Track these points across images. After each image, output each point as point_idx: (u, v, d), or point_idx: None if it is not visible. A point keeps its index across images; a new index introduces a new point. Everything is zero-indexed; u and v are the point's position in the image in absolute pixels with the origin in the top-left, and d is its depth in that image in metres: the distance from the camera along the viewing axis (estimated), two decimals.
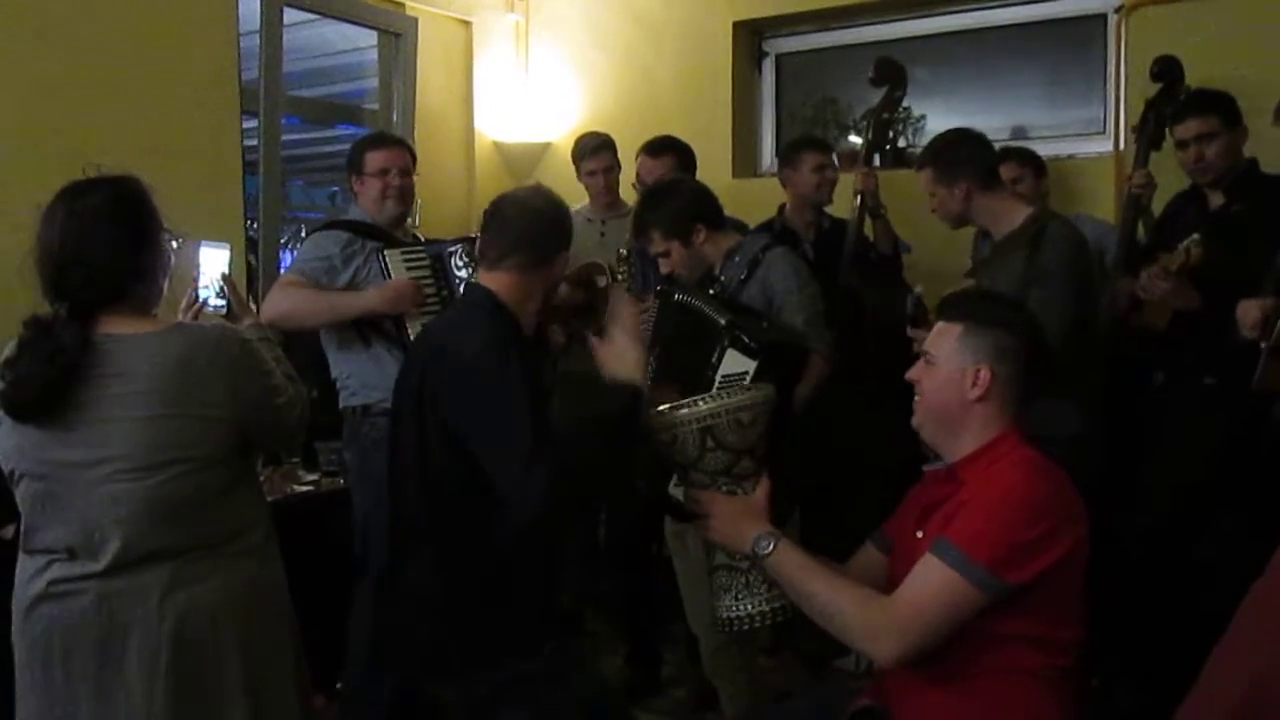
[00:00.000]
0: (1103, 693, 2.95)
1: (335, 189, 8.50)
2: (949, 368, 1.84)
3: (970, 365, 1.83)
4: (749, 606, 1.91)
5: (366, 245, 2.94)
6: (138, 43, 3.43)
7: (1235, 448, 2.74)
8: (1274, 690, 1.06)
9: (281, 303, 2.90)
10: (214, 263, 2.18)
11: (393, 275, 2.86)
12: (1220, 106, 2.96)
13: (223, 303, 2.13)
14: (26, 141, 3.18)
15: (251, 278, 3.96)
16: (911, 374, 1.90)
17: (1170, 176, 3.20)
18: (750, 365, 2.28)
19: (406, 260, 2.89)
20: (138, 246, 1.80)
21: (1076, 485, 1.91)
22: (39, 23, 3.22)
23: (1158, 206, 3.28)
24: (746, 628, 1.94)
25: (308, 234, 3.36)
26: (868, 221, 3.49)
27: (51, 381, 1.70)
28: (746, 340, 2.30)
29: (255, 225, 4.17)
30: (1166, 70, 3.18)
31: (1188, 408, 2.87)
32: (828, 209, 3.59)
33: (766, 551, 1.81)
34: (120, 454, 1.73)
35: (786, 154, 3.62)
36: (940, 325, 1.89)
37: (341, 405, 3.03)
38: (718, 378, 2.31)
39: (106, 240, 1.77)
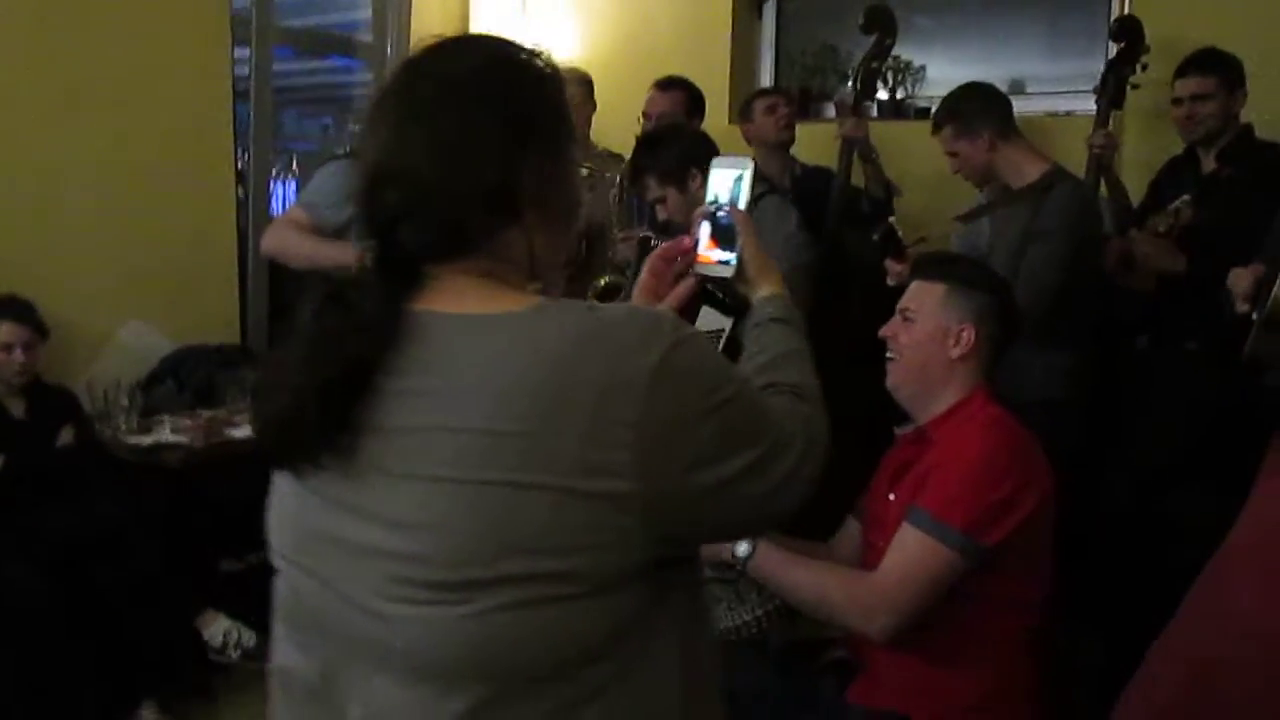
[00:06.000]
0: (1068, 650, 3.01)
1: (328, 120, 8.45)
2: (930, 326, 1.86)
3: (954, 324, 1.85)
4: (743, 615, 1.94)
5: None
6: None
7: (1214, 413, 2.77)
8: (1215, 679, 1.08)
9: (272, 240, 2.93)
10: (730, 180, 1.27)
11: None
12: (1223, 68, 2.95)
13: (730, 256, 1.22)
14: (14, 69, 3.15)
15: (240, 211, 3.94)
16: (886, 330, 1.92)
17: (1155, 136, 3.20)
18: (726, 323, 2.27)
19: None
20: (509, 155, 0.95)
21: (1056, 449, 1.94)
22: None
23: (1144, 168, 3.28)
24: (745, 635, 1.96)
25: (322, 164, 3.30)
26: (858, 169, 3.46)
27: (337, 385, 0.89)
28: (721, 296, 2.29)
29: (246, 155, 4.14)
30: (1125, 30, 3.20)
31: (1170, 372, 2.89)
32: (804, 158, 3.57)
33: (746, 554, 1.83)
34: (412, 543, 0.87)
35: (740, 112, 3.62)
36: (920, 284, 1.91)
37: None
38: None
39: (451, 138, 0.93)
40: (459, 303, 0.93)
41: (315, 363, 0.89)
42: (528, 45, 1.03)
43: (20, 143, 3.17)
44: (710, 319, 2.31)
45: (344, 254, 2.80)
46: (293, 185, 8.04)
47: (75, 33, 3.26)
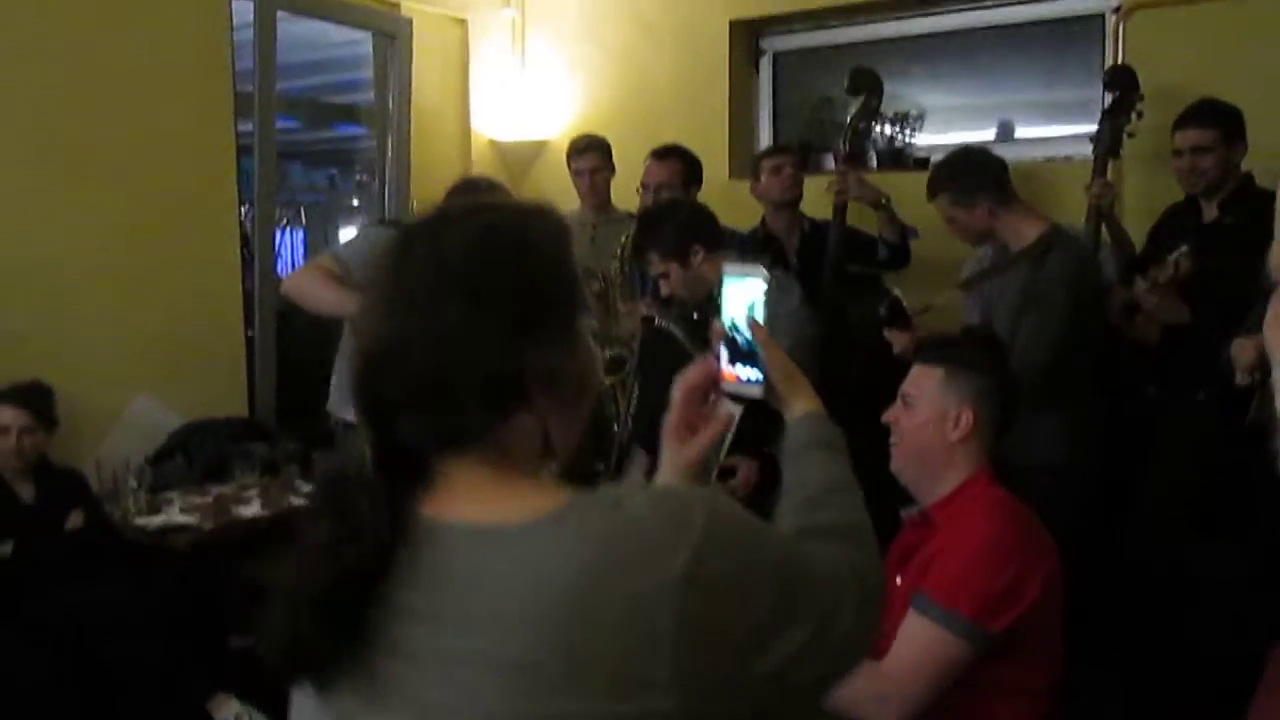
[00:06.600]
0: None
1: (333, 171, 8.56)
2: (930, 410, 1.87)
3: (953, 407, 1.85)
4: None
5: None
6: (132, 47, 3.42)
7: (1228, 466, 2.74)
8: None
9: (300, 281, 3.00)
10: (745, 296, 1.20)
11: None
12: (1223, 120, 2.95)
13: (756, 374, 1.18)
14: (17, 142, 3.19)
15: (245, 272, 3.93)
16: (889, 416, 1.92)
17: (1155, 179, 3.20)
18: (736, 410, 2.27)
19: None
20: (513, 342, 0.89)
21: (1059, 512, 1.92)
22: (35, 26, 3.22)
23: (1145, 213, 3.27)
24: None
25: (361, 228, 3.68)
26: (870, 216, 3.48)
27: (332, 600, 0.84)
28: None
29: (250, 212, 4.17)
30: (1118, 80, 3.21)
31: (1179, 423, 2.87)
32: (812, 213, 3.59)
33: None
34: None
35: (751, 170, 3.68)
36: (919, 368, 1.91)
37: (329, 405, 3.08)
38: None
39: (451, 328, 0.88)
40: (472, 506, 0.87)
41: (310, 575, 0.83)
42: (533, 206, 0.99)
43: (24, 218, 3.21)
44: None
45: None
46: (300, 235, 8.14)
47: (79, 109, 3.31)
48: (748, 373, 1.17)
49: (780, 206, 3.55)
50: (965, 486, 1.84)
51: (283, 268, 5.08)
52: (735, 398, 1.19)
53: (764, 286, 1.17)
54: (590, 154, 3.73)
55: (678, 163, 3.50)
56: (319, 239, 8.06)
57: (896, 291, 2.65)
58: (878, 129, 4.23)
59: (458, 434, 0.88)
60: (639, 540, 0.83)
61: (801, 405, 1.16)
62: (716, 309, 1.20)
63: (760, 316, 1.16)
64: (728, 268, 1.20)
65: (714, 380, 1.18)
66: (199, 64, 3.62)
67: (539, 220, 0.96)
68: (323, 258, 3.06)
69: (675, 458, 1.14)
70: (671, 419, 1.16)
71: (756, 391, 1.16)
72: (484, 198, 2.87)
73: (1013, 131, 4.11)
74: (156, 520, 2.97)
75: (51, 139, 3.26)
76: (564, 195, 4.21)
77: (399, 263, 0.92)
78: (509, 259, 0.91)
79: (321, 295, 2.90)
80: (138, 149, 3.45)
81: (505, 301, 0.89)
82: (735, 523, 0.87)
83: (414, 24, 4.33)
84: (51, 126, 3.26)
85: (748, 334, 1.16)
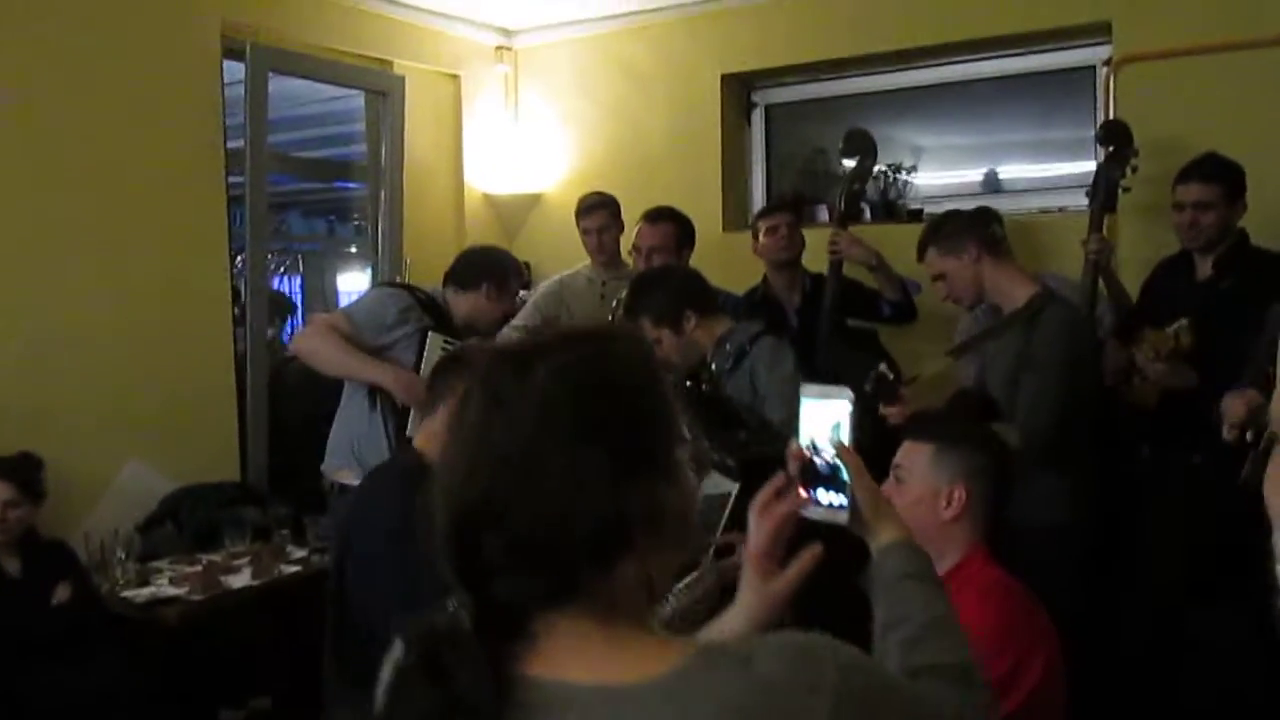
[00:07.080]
0: None
1: (331, 217, 8.58)
2: (922, 488, 1.82)
3: (945, 485, 1.81)
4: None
5: (423, 319, 2.99)
6: (122, 106, 3.42)
7: (1226, 531, 2.71)
8: None
9: (310, 340, 3.06)
10: (826, 418, 1.18)
11: (425, 356, 2.89)
12: (1227, 177, 2.93)
13: (840, 499, 1.16)
14: (9, 203, 3.18)
15: (236, 329, 3.91)
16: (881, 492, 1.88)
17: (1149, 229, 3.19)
18: (733, 487, 2.24)
19: (445, 347, 2.89)
20: (619, 488, 0.84)
21: (1058, 573, 1.87)
22: (25, 83, 3.23)
23: (1141, 263, 3.26)
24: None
25: (374, 285, 3.93)
26: (877, 280, 3.48)
27: None
28: (727, 462, 2.27)
29: (243, 260, 4.14)
30: (1112, 135, 3.20)
31: (1174, 486, 2.84)
32: (815, 264, 3.58)
33: None
34: None
35: (750, 228, 3.69)
36: (909, 444, 1.87)
37: (323, 466, 3.07)
38: (700, 495, 2.26)
39: (552, 481, 0.83)
40: (582, 665, 0.81)
41: None
42: (618, 333, 0.95)
43: (10, 282, 3.19)
44: (715, 483, 2.28)
45: (378, 373, 2.90)
46: (298, 280, 8.13)
47: (67, 169, 3.30)
48: (829, 497, 1.13)
49: (780, 266, 3.55)
50: (960, 568, 1.79)
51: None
52: (816, 524, 1.15)
53: (849, 408, 1.13)
54: (598, 213, 3.72)
55: (670, 225, 3.49)
56: (317, 285, 8.07)
57: (882, 366, 2.62)
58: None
59: (563, 590, 0.83)
60: (773, 702, 0.79)
61: (889, 533, 1.14)
62: (794, 430, 1.17)
63: (847, 439, 1.13)
64: (806, 388, 1.18)
65: (793, 500, 1.15)
66: (190, 123, 3.61)
67: (631, 351, 0.90)
68: (334, 316, 3.08)
69: (762, 589, 1.12)
70: (755, 549, 1.14)
71: (842, 518, 1.13)
72: (496, 260, 2.90)
73: (1015, 185, 4.10)
74: (145, 592, 2.93)
75: (39, 199, 3.24)
76: (558, 248, 4.24)
77: (487, 413, 0.85)
78: (606, 399, 0.85)
79: (332, 356, 2.94)
80: (127, 210, 3.43)
81: (605, 446, 0.83)
82: (865, 676, 0.86)
83: (406, 81, 4.34)
84: (39, 186, 3.25)
85: (828, 456, 1.13)
